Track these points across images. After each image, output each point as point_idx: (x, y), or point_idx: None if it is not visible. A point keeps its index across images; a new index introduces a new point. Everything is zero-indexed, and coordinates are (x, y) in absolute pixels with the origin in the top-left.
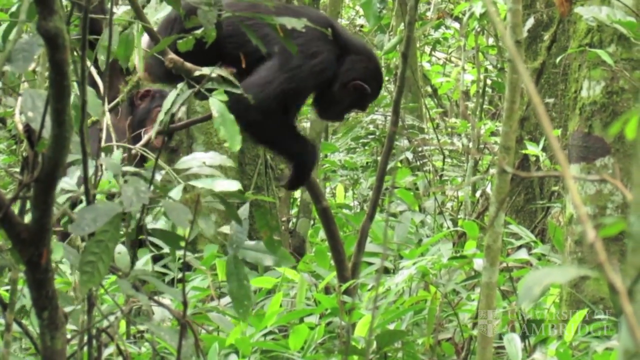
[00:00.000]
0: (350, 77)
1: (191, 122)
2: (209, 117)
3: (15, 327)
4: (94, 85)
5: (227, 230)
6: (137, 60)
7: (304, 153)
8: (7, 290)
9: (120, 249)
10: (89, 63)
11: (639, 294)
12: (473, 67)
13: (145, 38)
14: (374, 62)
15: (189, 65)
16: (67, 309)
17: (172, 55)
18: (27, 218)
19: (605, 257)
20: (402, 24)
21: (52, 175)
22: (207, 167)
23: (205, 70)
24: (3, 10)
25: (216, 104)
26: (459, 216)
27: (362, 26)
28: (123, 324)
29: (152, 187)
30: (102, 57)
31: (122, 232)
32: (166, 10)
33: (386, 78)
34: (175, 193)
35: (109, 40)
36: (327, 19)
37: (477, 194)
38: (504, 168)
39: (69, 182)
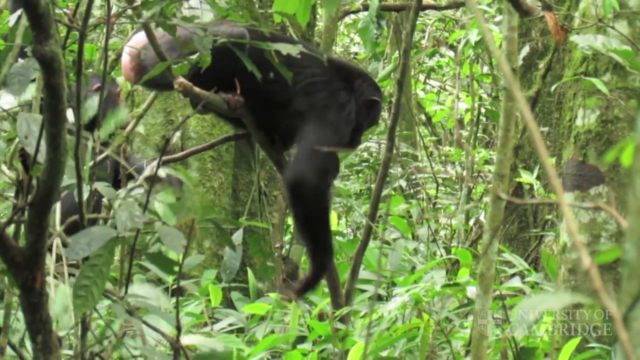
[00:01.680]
0: (361, 99)
1: (190, 153)
2: (209, 147)
3: (9, 350)
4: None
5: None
6: (124, 59)
7: (329, 253)
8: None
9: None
10: None
11: (634, 321)
12: (467, 96)
13: (138, 37)
14: (370, 78)
15: (197, 90)
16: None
17: (182, 80)
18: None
19: (600, 284)
20: (397, 51)
21: (47, 200)
22: None
23: (209, 95)
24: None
25: None
26: (452, 244)
27: (356, 54)
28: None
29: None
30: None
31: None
32: None
33: None
34: None
35: (104, 64)
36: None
37: (471, 222)
38: (499, 195)
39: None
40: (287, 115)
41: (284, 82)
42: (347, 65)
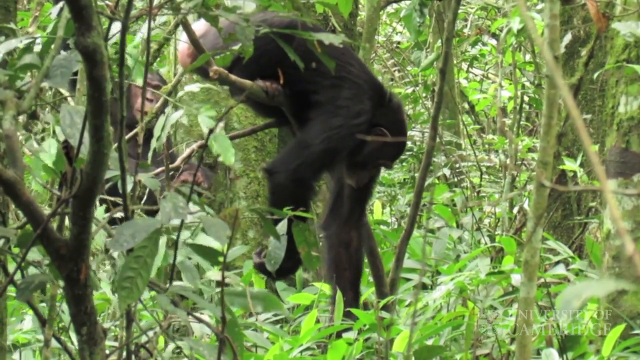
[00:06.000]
0: (374, 124)
1: (232, 137)
2: (251, 132)
3: (54, 342)
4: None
5: None
6: (182, 46)
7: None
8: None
9: None
10: None
11: None
12: (510, 84)
13: (197, 25)
14: (400, 115)
15: (233, 77)
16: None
17: (216, 67)
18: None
19: None
20: (439, 40)
21: (91, 192)
22: None
23: (247, 83)
24: (41, 28)
25: None
26: (496, 232)
27: (399, 43)
28: (162, 339)
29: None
30: None
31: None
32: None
33: (424, 95)
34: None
35: (147, 57)
36: (374, 77)
37: (515, 210)
38: (542, 182)
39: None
40: (308, 104)
41: (319, 71)
42: (387, 90)
